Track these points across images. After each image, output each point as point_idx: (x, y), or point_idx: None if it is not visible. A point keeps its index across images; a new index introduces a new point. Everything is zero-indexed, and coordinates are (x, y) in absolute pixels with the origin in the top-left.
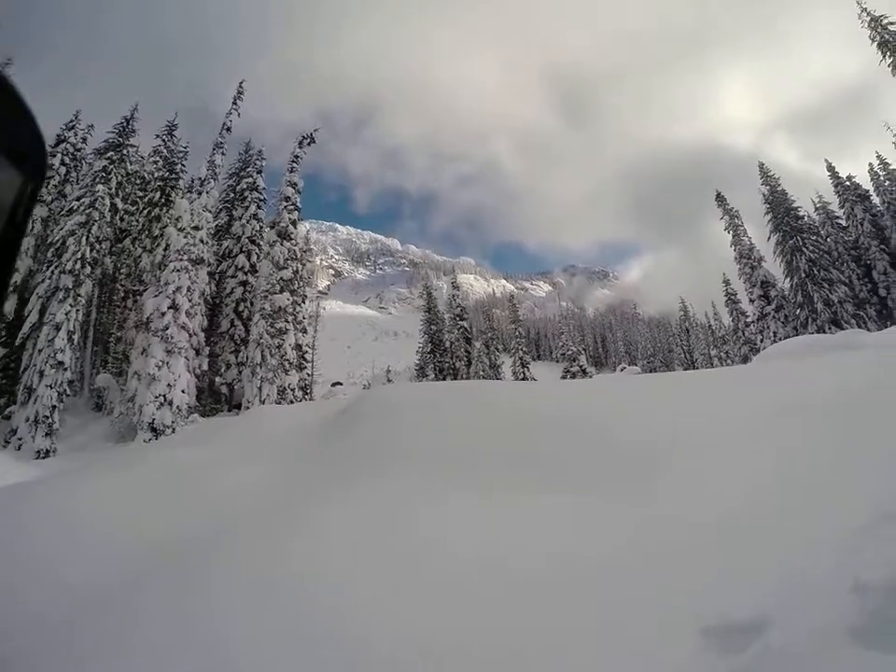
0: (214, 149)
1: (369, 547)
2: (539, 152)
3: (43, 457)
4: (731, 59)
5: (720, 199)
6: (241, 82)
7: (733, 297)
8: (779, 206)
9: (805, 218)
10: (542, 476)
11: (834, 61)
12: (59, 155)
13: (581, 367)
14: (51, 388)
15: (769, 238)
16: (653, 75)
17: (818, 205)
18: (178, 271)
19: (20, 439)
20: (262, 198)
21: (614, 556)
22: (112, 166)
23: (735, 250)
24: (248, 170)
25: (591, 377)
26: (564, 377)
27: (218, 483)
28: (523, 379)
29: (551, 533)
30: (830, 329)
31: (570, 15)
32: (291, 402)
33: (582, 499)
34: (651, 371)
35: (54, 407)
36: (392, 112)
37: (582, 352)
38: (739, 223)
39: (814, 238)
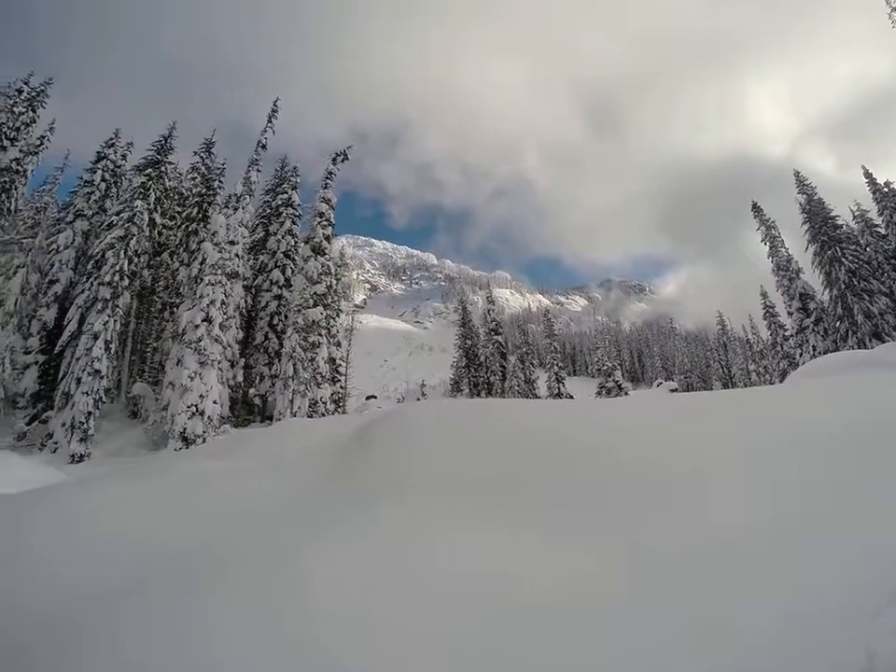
0: (249, 166)
1: (357, 585)
2: (570, 164)
3: (77, 462)
4: (760, 65)
5: (756, 209)
6: (275, 101)
7: (771, 310)
8: (817, 216)
9: (844, 227)
10: (560, 509)
11: (866, 64)
12: (99, 171)
13: (616, 382)
14: (88, 395)
15: (807, 249)
16: (683, 82)
17: (856, 214)
18: (213, 284)
19: (55, 442)
20: (297, 214)
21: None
22: (151, 182)
23: (772, 262)
24: (283, 186)
25: (627, 393)
26: (599, 392)
27: (230, 496)
28: (557, 394)
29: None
30: (871, 342)
31: (596, 26)
32: (323, 415)
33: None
34: (688, 387)
35: (90, 413)
36: (423, 128)
37: (618, 367)
38: (776, 234)
39: (853, 248)
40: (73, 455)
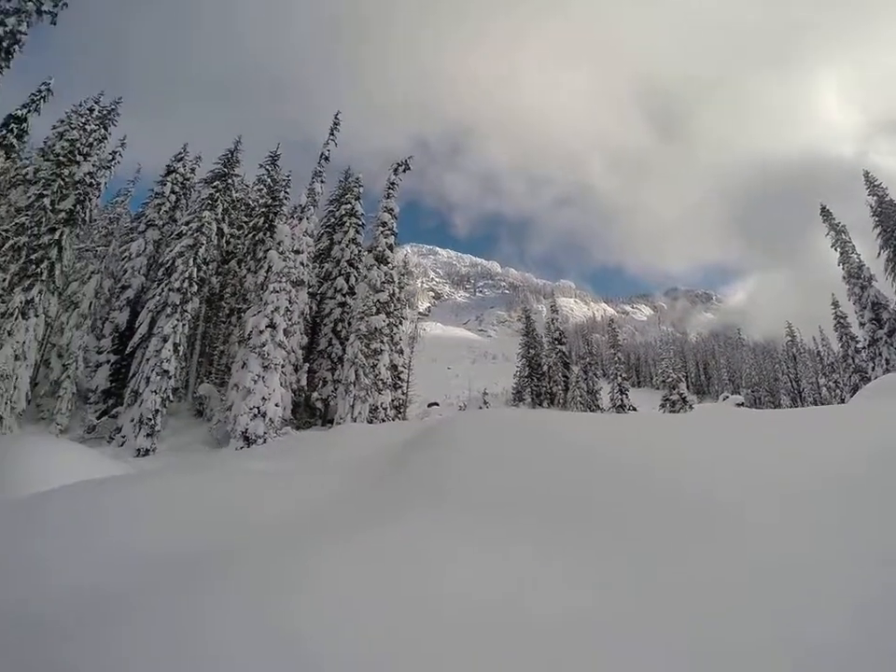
0: (313, 178)
1: (377, 597)
2: (634, 170)
3: (143, 455)
4: (826, 60)
5: (825, 213)
6: (337, 113)
7: (842, 320)
8: (889, 218)
9: None
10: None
11: None
12: (169, 184)
13: (681, 395)
14: (156, 394)
15: (879, 254)
16: (746, 83)
17: None
18: (277, 292)
19: (123, 436)
20: (360, 223)
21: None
22: (218, 194)
23: (843, 269)
24: (347, 196)
25: (691, 406)
26: (663, 405)
27: (270, 500)
28: (620, 406)
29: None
30: None
31: (658, 27)
32: (383, 420)
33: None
34: (755, 402)
35: (157, 411)
36: (485, 137)
37: (683, 379)
38: (847, 239)
39: None
40: (139, 449)
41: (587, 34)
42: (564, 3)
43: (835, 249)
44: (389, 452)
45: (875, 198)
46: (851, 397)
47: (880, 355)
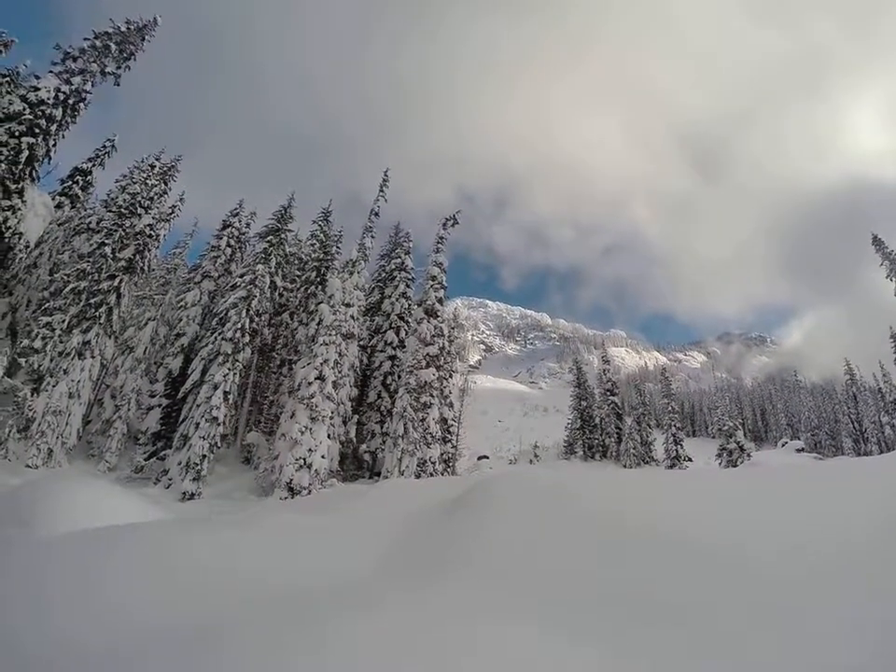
0: (364, 233)
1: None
2: (680, 212)
3: (188, 499)
4: (858, 86)
5: (877, 242)
6: (386, 171)
7: None
8: None
9: None
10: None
11: None
12: (224, 238)
13: (738, 443)
14: (204, 439)
15: None
16: (781, 115)
17: None
18: (327, 344)
19: (170, 479)
20: (410, 277)
21: None
22: (272, 248)
23: None
24: (397, 251)
25: (749, 455)
26: (720, 455)
27: (293, 566)
28: (675, 458)
29: None
30: None
31: (687, 69)
32: (431, 475)
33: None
34: (815, 446)
35: (204, 456)
36: (528, 187)
37: (740, 426)
38: None
39: None
40: (184, 493)
41: (615, 79)
42: (584, 50)
43: (890, 279)
44: (423, 517)
45: None
46: None
47: None
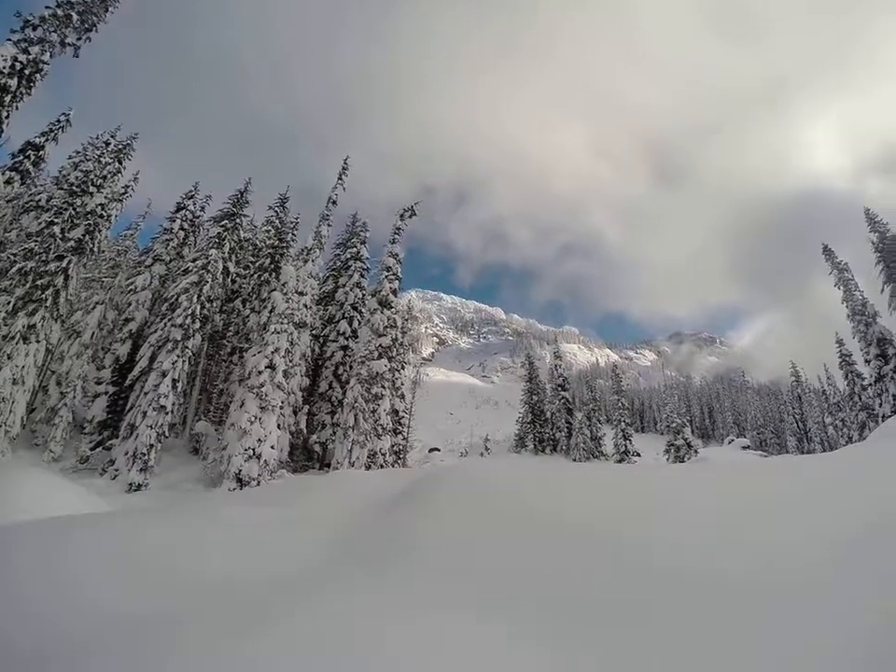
0: (320, 221)
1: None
2: (638, 216)
3: (135, 490)
4: (816, 102)
5: (827, 252)
6: (346, 158)
7: (847, 358)
8: (891, 254)
9: None
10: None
11: None
12: (178, 220)
13: (685, 440)
14: (151, 428)
15: (882, 290)
16: (741, 129)
17: None
18: (279, 332)
19: (116, 470)
20: (366, 267)
21: None
22: (226, 233)
23: (847, 307)
24: (353, 241)
25: (696, 451)
26: (667, 450)
27: (240, 558)
28: (624, 452)
29: None
30: None
31: (653, 79)
32: (381, 466)
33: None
34: (760, 444)
35: (152, 446)
36: (490, 185)
37: (688, 423)
38: (850, 277)
39: None
40: (131, 484)
41: (582, 84)
42: (553, 53)
43: (838, 287)
44: (370, 510)
45: (876, 234)
46: (859, 434)
47: (887, 391)
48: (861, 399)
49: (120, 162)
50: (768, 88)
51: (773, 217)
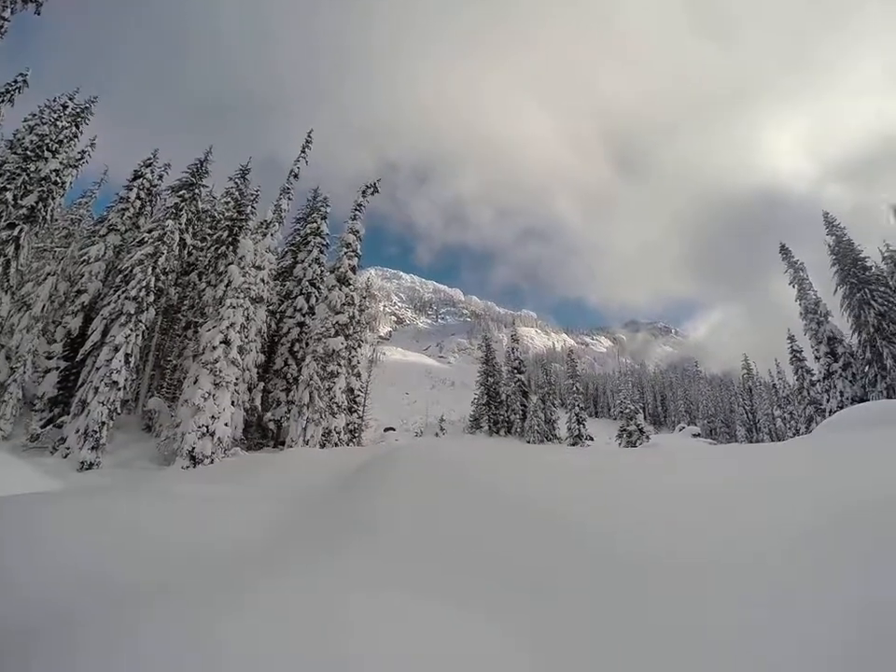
0: (281, 194)
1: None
2: (600, 206)
3: (86, 469)
4: (780, 107)
5: (784, 251)
6: (309, 132)
7: (798, 354)
8: (846, 257)
9: (873, 269)
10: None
11: (885, 109)
12: (135, 189)
13: (638, 426)
14: (103, 405)
15: (835, 291)
16: (708, 126)
17: (885, 254)
18: (234, 307)
19: (67, 448)
20: (325, 243)
21: None
22: (184, 203)
23: (800, 305)
24: (313, 216)
25: (648, 437)
26: (620, 436)
27: (204, 526)
28: (577, 436)
29: None
30: None
31: (618, 70)
32: (336, 445)
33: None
34: (710, 432)
35: (104, 423)
36: (454, 166)
37: (640, 410)
38: (804, 276)
39: (882, 290)
40: (83, 462)
41: (554, 71)
42: (529, 39)
43: (793, 286)
44: (326, 487)
45: (833, 237)
46: (806, 427)
47: (835, 387)
48: (809, 393)
49: (77, 127)
50: (737, 87)
51: (733, 213)
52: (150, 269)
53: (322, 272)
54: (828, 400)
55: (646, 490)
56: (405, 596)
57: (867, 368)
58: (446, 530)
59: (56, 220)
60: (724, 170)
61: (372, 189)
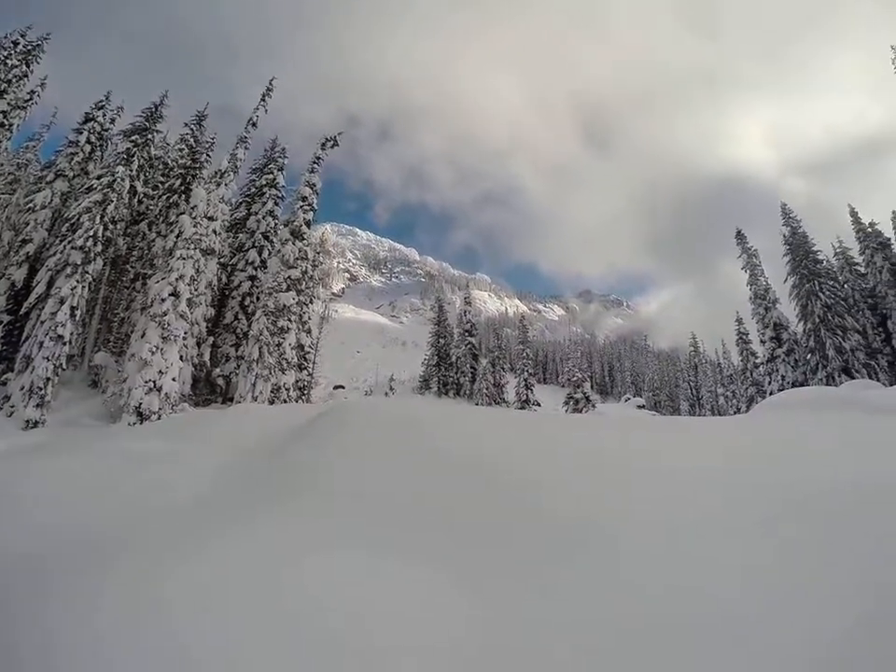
0: (237, 143)
1: (244, 601)
2: (562, 176)
3: (31, 427)
4: (748, 99)
5: (739, 237)
6: (271, 79)
7: (744, 336)
8: (799, 248)
9: (824, 263)
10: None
11: (855, 110)
12: (85, 133)
13: (585, 394)
14: (48, 361)
15: (786, 280)
16: (675, 108)
17: (837, 250)
18: (184, 259)
19: (12, 406)
20: (280, 195)
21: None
22: (136, 149)
23: (750, 290)
24: (270, 167)
25: (594, 405)
26: (567, 402)
27: (153, 482)
28: (525, 401)
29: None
30: (840, 377)
31: (595, 44)
32: (285, 401)
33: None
34: (655, 405)
35: (48, 379)
36: (418, 124)
37: (588, 379)
38: (757, 262)
39: (831, 283)
40: (28, 421)
41: (529, 39)
42: (509, 11)
43: (745, 271)
44: (276, 440)
45: (788, 228)
46: (747, 407)
47: (777, 371)
48: (752, 375)
49: (28, 66)
50: (709, 73)
51: (693, 195)
52: (98, 217)
53: (276, 224)
54: (770, 383)
55: (584, 447)
56: (359, 553)
57: (809, 356)
58: (389, 484)
59: (1, 165)
60: (689, 152)
61: (332, 142)
